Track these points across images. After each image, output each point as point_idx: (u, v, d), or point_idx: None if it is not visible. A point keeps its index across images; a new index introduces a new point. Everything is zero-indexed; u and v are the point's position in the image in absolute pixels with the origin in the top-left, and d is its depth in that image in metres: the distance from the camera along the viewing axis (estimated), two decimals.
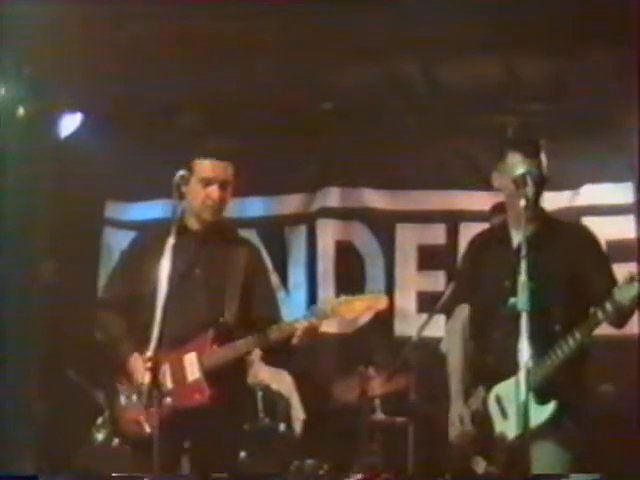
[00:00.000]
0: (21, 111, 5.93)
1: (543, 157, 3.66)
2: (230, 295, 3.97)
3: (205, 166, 3.96)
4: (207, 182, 3.95)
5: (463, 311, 3.90)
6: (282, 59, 5.55)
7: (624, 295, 3.28)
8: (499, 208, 4.19)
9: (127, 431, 3.98)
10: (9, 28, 4.93)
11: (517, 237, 3.54)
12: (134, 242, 4.33)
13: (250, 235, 5.94)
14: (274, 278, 5.26)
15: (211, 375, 3.85)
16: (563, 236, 3.65)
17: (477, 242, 3.96)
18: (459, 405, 3.76)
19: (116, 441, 4.93)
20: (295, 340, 3.80)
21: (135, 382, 3.87)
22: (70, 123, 6.17)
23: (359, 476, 4.89)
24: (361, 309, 3.83)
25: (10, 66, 5.56)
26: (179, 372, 3.86)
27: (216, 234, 4.04)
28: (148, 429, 3.74)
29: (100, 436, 5.11)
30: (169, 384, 3.83)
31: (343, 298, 3.87)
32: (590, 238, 3.70)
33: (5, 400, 5.69)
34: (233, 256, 4.05)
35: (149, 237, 4.10)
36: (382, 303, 3.87)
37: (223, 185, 3.98)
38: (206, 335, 3.90)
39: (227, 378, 3.86)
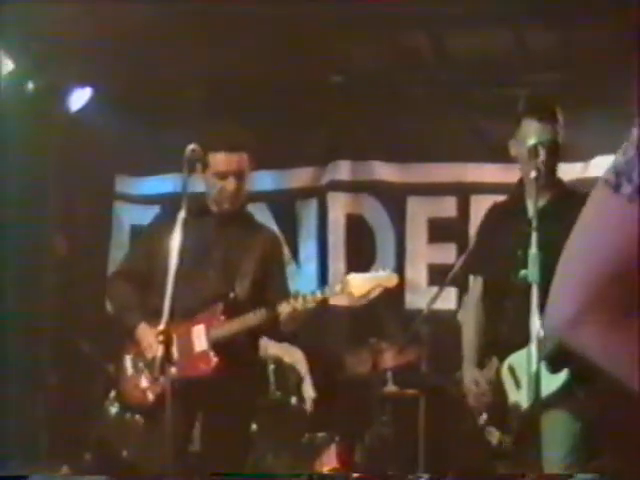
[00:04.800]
0: (30, 86, 5.91)
1: (560, 124, 3.64)
2: (242, 274, 4.00)
3: (219, 159, 3.98)
4: (222, 175, 3.97)
5: (479, 282, 3.91)
6: (292, 32, 5.52)
7: None
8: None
9: (132, 400, 4.02)
10: (18, 2, 4.91)
11: (532, 208, 3.54)
12: (155, 218, 4.40)
13: (260, 209, 5.97)
14: (289, 262, 5.30)
15: (218, 346, 3.87)
16: (578, 207, 3.63)
17: (494, 212, 3.96)
18: (473, 371, 3.77)
19: (129, 415, 4.95)
20: (304, 313, 3.82)
21: (142, 351, 3.90)
22: (79, 97, 6.15)
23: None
24: (371, 287, 3.84)
25: (19, 40, 5.54)
26: (187, 343, 3.89)
27: (237, 220, 4.09)
28: (151, 397, 3.80)
29: (113, 409, 5.13)
30: (176, 355, 3.85)
31: (353, 276, 3.88)
32: None
33: (17, 374, 5.71)
34: (251, 241, 4.09)
35: (168, 213, 4.15)
36: (392, 281, 3.88)
37: (239, 175, 4.00)
38: (216, 308, 3.91)
39: (235, 350, 3.88)
